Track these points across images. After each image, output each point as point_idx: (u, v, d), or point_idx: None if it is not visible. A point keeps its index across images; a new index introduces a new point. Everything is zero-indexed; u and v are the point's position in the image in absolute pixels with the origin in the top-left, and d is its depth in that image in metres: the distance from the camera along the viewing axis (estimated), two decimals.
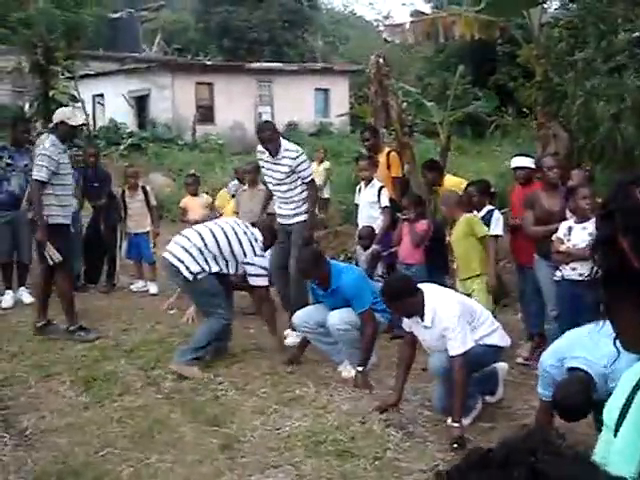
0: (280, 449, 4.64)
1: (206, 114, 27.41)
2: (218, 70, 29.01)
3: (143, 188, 9.35)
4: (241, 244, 6.41)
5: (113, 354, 6.56)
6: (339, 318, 5.92)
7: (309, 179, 7.29)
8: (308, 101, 30.08)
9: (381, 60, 10.72)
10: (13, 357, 6.52)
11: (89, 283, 9.26)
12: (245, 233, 6.50)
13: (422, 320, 5.05)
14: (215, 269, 6.30)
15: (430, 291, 5.15)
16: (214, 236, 6.36)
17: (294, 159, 7.12)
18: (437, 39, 10.90)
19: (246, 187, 8.91)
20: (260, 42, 44.01)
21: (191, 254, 6.22)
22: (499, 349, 5.29)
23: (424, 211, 7.10)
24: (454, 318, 4.93)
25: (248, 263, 6.45)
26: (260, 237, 6.60)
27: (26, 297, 8.48)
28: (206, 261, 6.25)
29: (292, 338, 6.96)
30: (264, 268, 6.62)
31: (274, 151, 7.12)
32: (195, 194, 9.35)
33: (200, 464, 4.43)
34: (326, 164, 14.28)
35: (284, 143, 7.23)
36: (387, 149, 8.52)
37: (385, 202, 7.72)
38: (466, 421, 5.02)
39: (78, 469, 4.36)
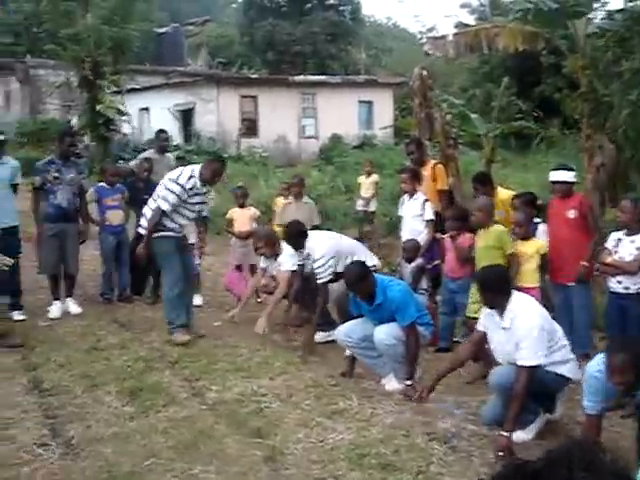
0: (323, 462, 4.62)
1: (250, 127, 27.62)
2: (262, 83, 29.24)
3: None
4: None
5: (158, 365, 6.61)
6: (386, 333, 5.91)
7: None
8: (352, 113, 30.13)
9: (425, 72, 10.73)
10: (60, 367, 6.58)
11: (135, 294, 9.35)
12: None
13: (501, 318, 5.02)
14: None
15: (519, 296, 5.13)
16: None
17: None
18: (481, 51, 10.87)
19: (292, 200, 8.94)
20: (304, 55, 44.25)
21: None
22: (567, 380, 5.16)
23: (469, 225, 7.06)
24: (534, 328, 4.87)
25: None
26: None
27: (73, 308, 8.58)
28: None
29: (317, 336, 7.17)
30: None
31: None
32: (243, 206, 9.36)
33: (244, 476, 4.43)
34: (374, 177, 14.22)
35: None
36: (432, 161, 8.50)
37: (429, 215, 7.72)
38: (525, 435, 4.97)
39: (123, 479, 4.39)
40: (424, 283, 7.57)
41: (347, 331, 6.24)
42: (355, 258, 7.05)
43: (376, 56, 51.31)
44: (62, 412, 5.52)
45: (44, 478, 4.45)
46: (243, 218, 9.12)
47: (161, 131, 10.11)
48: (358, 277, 5.99)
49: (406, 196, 7.97)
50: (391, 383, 6.04)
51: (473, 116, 12.22)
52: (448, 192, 8.51)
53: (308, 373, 6.37)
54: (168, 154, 10.25)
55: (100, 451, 4.80)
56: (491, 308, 5.21)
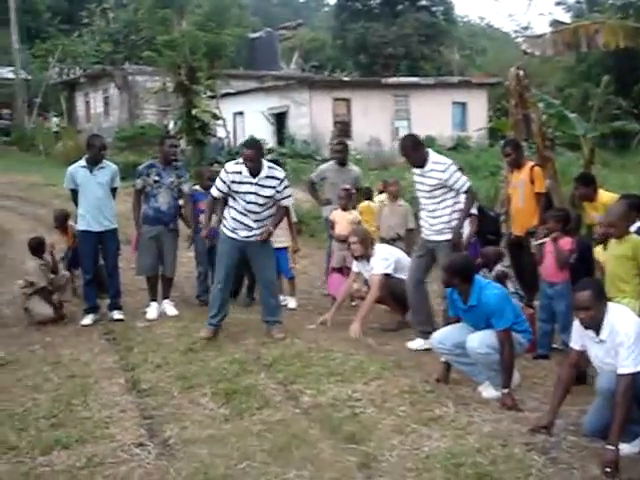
0: (419, 470, 4.54)
1: (343, 129, 27.63)
2: (355, 86, 29.26)
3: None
4: None
5: (253, 367, 6.62)
6: (479, 341, 5.76)
7: (465, 188, 7.19)
8: (445, 115, 29.84)
9: (521, 72, 10.48)
10: (157, 368, 6.68)
11: (230, 297, 9.40)
12: None
13: (597, 334, 4.85)
14: None
15: (614, 307, 4.95)
16: None
17: (442, 172, 7.02)
18: (579, 49, 10.58)
19: (387, 202, 8.84)
20: (396, 57, 44.15)
21: None
22: None
23: (569, 228, 6.82)
24: (632, 335, 4.68)
25: None
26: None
27: (170, 309, 8.72)
28: None
29: (416, 343, 7.08)
30: None
31: (419, 163, 7.06)
32: (345, 209, 9.30)
33: None
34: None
35: (432, 155, 7.14)
36: (530, 163, 8.30)
37: (472, 210, 7.76)
38: (630, 448, 4.77)
39: None
40: (511, 287, 7.41)
41: (441, 338, 6.13)
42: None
43: (470, 56, 50.74)
44: (159, 413, 5.59)
45: (141, 477, 4.50)
46: (344, 221, 9.03)
47: (339, 143, 9.94)
48: (460, 269, 5.88)
49: None
50: (488, 390, 5.88)
51: (571, 116, 11.88)
52: (546, 195, 8.29)
53: (403, 379, 6.27)
54: (352, 165, 10.03)
55: (195, 452, 4.83)
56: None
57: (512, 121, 10.67)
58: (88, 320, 8.34)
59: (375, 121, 27.68)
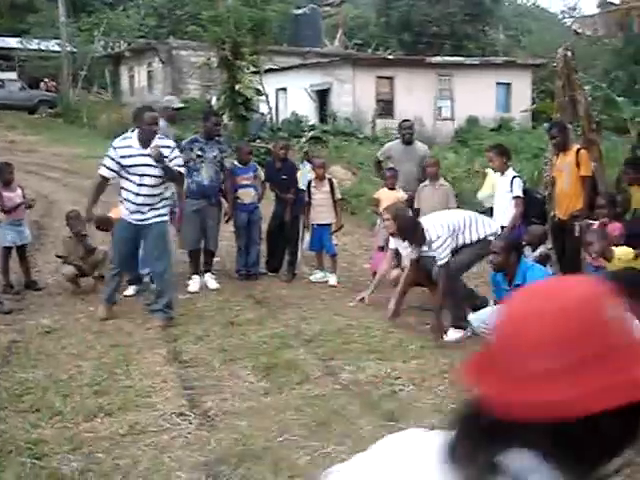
0: None
1: (386, 108, 27.45)
2: (399, 64, 28.99)
3: (330, 180, 9.41)
4: None
5: (293, 342, 6.68)
6: None
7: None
8: (489, 95, 29.45)
9: (569, 53, 10.31)
10: (198, 340, 6.76)
11: (271, 272, 9.48)
12: None
13: None
14: None
15: None
16: None
17: None
18: (631, 30, 10.40)
19: (427, 182, 8.79)
20: (440, 36, 43.64)
21: None
22: None
23: (618, 212, 6.74)
24: None
25: None
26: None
27: (211, 283, 8.79)
28: None
29: (454, 334, 6.97)
30: None
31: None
32: (392, 188, 9.27)
33: None
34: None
35: None
36: (576, 146, 8.21)
37: (518, 192, 7.84)
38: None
39: (257, 453, 4.44)
40: (550, 270, 7.35)
41: (484, 317, 6.12)
42: (473, 229, 7.09)
43: (515, 37, 49.98)
44: (200, 384, 5.66)
45: (182, 446, 4.57)
46: (389, 199, 9.00)
47: (404, 121, 9.83)
48: (508, 249, 5.87)
49: (498, 174, 8.11)
50: None
51: (620, 99, 11.69)
52: (591, 178, 8.19)
53: (442, 358, 6.28)
54: (419, 144, 9.88)
55: (235, 424, 4.89)
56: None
57: (558, 103, 10.52)
58: (131, 291, 8.44)
59: (418, 100, 27.41)
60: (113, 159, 7.05)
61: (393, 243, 8.02)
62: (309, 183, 9.34)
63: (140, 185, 7.11)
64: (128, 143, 7.10)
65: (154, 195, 7.20)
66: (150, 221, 7.22)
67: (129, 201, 7.15)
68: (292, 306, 7.96)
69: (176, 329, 7.10)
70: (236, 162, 9.25)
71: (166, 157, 7.08)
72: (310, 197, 9.26)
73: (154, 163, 7.04)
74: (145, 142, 7.04)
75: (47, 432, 4.74)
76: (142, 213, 7.19)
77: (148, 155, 7.03)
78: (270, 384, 5.64)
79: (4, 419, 4.93)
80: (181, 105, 8.50)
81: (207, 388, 5.57)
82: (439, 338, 6.79)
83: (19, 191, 8.55)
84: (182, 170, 7.49)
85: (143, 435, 4.71)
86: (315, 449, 4.53)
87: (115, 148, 7.09)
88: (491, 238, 6.85)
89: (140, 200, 7.14)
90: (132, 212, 7.17)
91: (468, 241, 7.09)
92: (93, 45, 37.64)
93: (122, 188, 7.20)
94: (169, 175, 7.19)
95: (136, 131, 7.15)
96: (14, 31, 40.05)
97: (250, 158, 9.42)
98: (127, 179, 7.11)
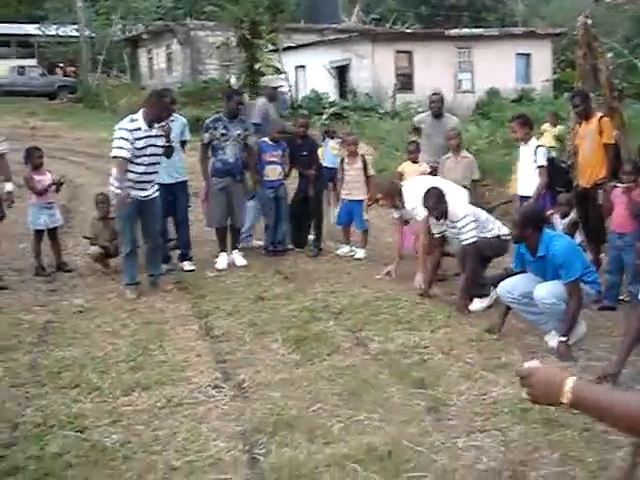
0: (486, 414, 4.63)
1: (405, 82, 27.36)
2: (417, 38, 28.85)
3: (362, 157, 9.47)
4: None
5: (322, 315, 6.77)
6: (547, 291, 5.77)
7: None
8: (509, 67, 29.25)
9: (589, 21, 10.25)
10: (229, 315, 6.87)
11: (297, 247, 9.58)
12: None
13: None
14: None
15: None
16: None
17: None
18: None
19: (450, 154, 8.82)
20: (458, 8, 43.35)
21: None
22: None
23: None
24: None
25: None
26: None
27: (238, 259, 8.89)
28: None
29: (479, 303, 7.04)
30: None
31: None
32: (416, 161, 9.32)
33: (407, 424, 4.50)
34: (560, 128, 13.81)
35: None
36: (599, 114, 8.21)
37: (542, 161, 7.91)
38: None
39: (292, 421, 4.55)
40: (578, 238, 7.38)
41: (509, 287, 6.15)
42: (488, 224, 7.22)
43: (534, 6, 49.44)
44: (232, 357, 5.78)
45: (218, 417, 4.69)
46: (413, 173, 9.05)
47: (434, 94, 9.75)
48: (528, 220, 5.88)
49: (520, 143, 8.15)
50: (554, 339, 5.91)
51: None
52: (614, 145, 8.19)
53: (470, 327, 6.36)
54: (449, 116, 9.88)
55: (269, 395, 5.00)
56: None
57: (580, 72, 10.48)
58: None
59: (437, 73, 27.26)
60: (127, 140, 7.34)
61: (395, 212, 8.14)
62: (342, 160, 9.44)
63: (147, 165, 7.52)
64: (137, 125, 7.44)
65: (155, 172, 7.73)
66: (152, 196, 7.74)
67: (134, 180, 7.49)
68: (320, 280, 8.06)
69: (207, 305, 7.23)
70: (266, 139, 9.33)
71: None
72: (343, 173, 9.40)
73: (158, 143, 7.53)
74: (150, 123, 7.47)
75: (87, 406, 4.87)
76: (145, 190, 7.63)
77: (155, 136, 7.50)
78: (301, 356, 5.75)
79: (45, 395, 5.07)
80: (281, 84, 8.96)
81: (239, 361, 5.69)
82: (464, 314, 6.83)
83: (49, 175, 8.69)
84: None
85: (180, 407, 4.83)
86: (348, 417, 4.62)
87: (130, 130, 7.38)
88: (505, 238, 7.01)
89: (145, 178, 7.58)
90: (137, 189, 7.54)
91: (488, 235, 7.15)
92: (111, 29, 37.73)
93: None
94: (170, 152, 7.79)
95: (141, 112, 7.49)
96: (32, 17, 40.27)
97: (280, 136, 9.41)
98: (135, 158, 7.42)
